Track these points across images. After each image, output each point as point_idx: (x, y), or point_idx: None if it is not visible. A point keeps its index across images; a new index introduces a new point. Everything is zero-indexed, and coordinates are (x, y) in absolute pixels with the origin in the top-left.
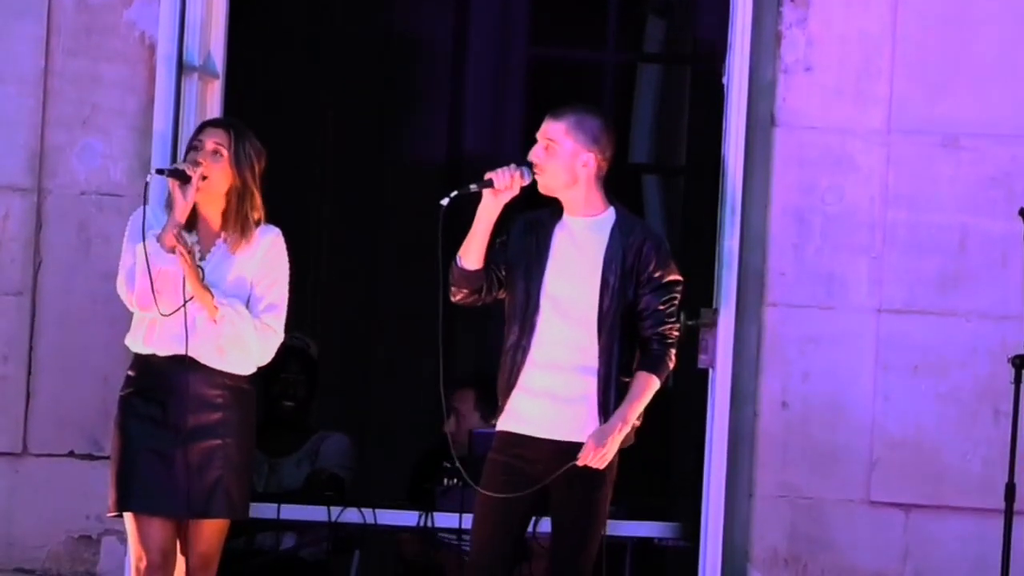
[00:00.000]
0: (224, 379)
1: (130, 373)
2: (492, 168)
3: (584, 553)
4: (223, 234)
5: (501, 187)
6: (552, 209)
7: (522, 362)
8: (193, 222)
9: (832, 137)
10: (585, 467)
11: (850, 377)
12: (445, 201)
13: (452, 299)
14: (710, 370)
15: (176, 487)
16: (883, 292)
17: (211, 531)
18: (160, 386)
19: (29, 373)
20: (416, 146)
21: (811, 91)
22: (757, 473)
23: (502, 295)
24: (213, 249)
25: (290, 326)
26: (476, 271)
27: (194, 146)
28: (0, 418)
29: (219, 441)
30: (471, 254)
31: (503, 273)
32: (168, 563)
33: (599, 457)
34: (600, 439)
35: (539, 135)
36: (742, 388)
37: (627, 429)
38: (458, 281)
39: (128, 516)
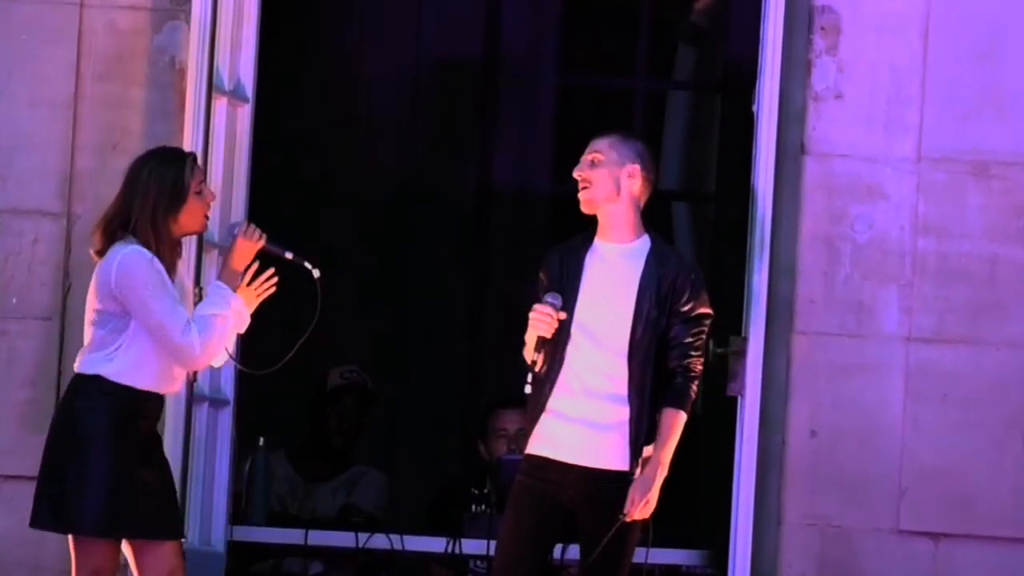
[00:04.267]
0: None
1: None
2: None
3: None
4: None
5: (551, 332)
6: (584, 236)
7: (550, 391)
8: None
9: (862, 165)
10: (613, 492)
11: (879, 405)
12: (528, 386)
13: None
14: (739, 398)
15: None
16: (913, 321)
17: None
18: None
19: (57, 396)
20: (444, 173)
21: (841, 119)
22: (786, 501)
23: None
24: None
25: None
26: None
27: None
28: (28, 441)
29: None
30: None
31: None
32: None
33: (645, 508)
34: (644, 491)
35: (584, 154)
36: (771, 416)
37: (664, 473)
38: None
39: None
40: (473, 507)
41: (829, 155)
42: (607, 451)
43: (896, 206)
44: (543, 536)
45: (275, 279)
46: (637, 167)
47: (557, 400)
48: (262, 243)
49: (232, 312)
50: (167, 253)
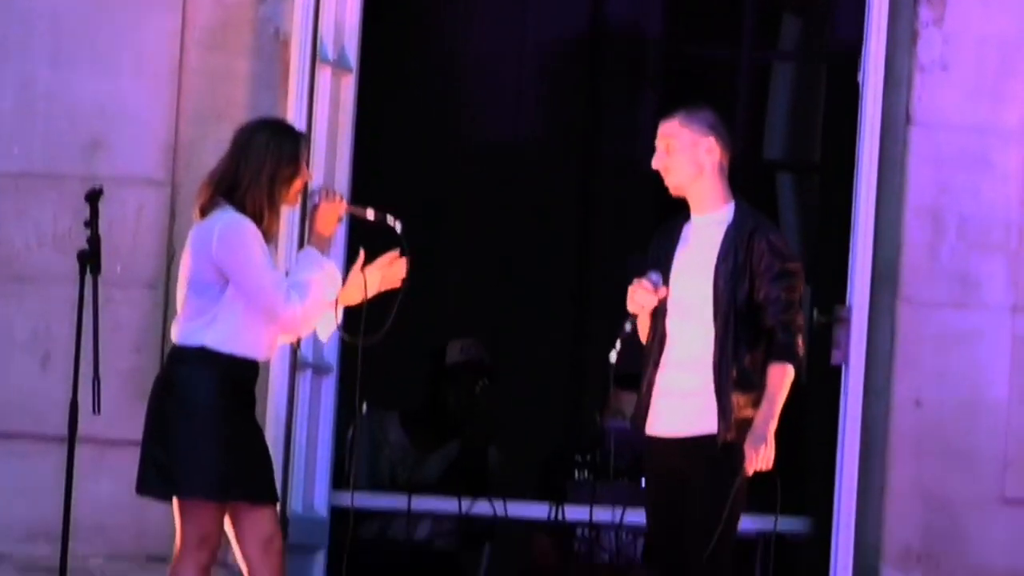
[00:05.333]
0: None
1: None
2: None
3: (713, 539)
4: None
5: (647, 309)
6: (684, 214)
7: (654, 369)
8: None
9: (968, 136)
10: (712, 454)
11: (985, 376)
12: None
13: None
14: (843, 367)
15: None
16: (1019, 291)
17: None
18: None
19: (161, 364)
20: (550, 148)
21: (947, 90)
22: (890, 470)
23: None
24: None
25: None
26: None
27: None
28: (133, 407)
29: None
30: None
31: None
32: None
33: (763, 459)
34: (757, 443)
35: (656, 142)
36: (875, 385)
37: (774, 424)
38: None
39: None
40: (576, 474)
41: (935, 126)
42: (700, 417)
43: (1002, 176)
44: (680, 511)
45: (403, 273)
46: (712, 139)
47: (659, 376)
48: (344, 204)
49: (325, 275)
50: (273, 221)
